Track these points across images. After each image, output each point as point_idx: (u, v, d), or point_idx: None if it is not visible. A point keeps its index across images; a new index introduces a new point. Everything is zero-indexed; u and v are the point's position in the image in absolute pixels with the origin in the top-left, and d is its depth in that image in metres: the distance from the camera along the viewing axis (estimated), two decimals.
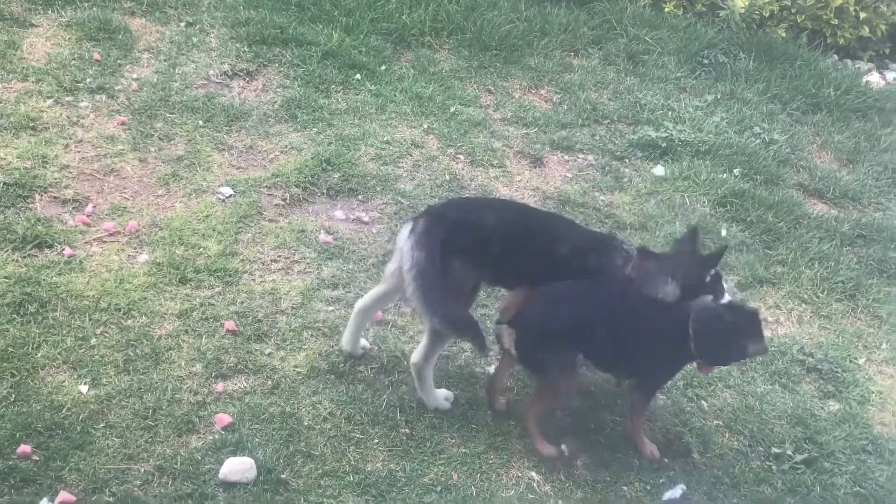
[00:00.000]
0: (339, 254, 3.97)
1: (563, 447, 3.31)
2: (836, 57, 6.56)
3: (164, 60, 4.96)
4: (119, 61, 4.87)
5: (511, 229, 3.24)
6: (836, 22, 6.42)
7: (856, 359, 3.96)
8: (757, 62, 5.98)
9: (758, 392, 3.71)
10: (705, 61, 5.92)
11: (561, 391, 3.27)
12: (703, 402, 3.63)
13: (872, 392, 3.81)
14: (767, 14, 6.33)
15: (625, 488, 3.22)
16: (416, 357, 3.28)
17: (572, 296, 3.21)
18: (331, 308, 3.71)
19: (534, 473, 3.22)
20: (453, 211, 3.33)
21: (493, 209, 3.44)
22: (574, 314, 3.15)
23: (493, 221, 3.24)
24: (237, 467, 2.98)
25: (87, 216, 3.90)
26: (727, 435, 3.52)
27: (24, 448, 2.90)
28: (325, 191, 4.31)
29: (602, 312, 3.20)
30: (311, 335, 3.57)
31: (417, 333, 3.67)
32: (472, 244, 3.18)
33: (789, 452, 3.45)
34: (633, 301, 3.21)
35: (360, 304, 3.44)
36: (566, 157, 4.94)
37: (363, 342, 3.53)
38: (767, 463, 3.42)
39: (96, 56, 4.84)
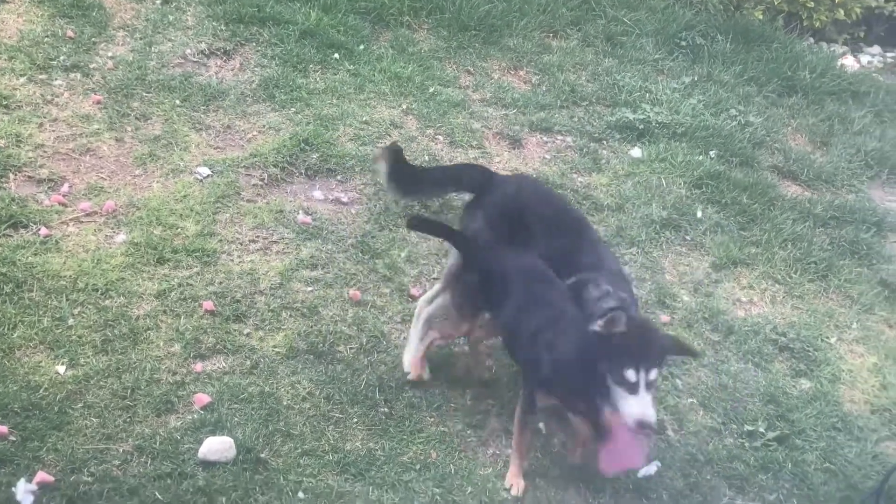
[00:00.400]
0: (318, 234, 3.97)
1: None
2: (811, 40, 6.62)
3: (140, 38, 4.90)
4: (93, 39, 4.80)
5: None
6: (811, 5, 6.47)
7: (827, 338, 4.04)
8: (734, 44, 6.02)
9: (731, 371, 3.77)
10: (683, 43, 5.95)
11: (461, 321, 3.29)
12: (677, 380, 3.69)
13: (843, 370, 3.89)
14: None
15: None
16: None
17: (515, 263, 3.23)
18: (309, 288, 3.71)
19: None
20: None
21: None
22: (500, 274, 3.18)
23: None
24: (216, 447, 2.99)
25: (63, 196, 3.86)
26: (701, 413, 3.58)
27: (1, 428, 2.89)
28: (303, 171, 4.30)
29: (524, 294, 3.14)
30: (290, 315, 3.58)
31: (397, 314, 3.69)
32: None
33: (762, 430, 3.52)
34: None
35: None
36: (545, 139, 4.96)
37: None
38: (740, 440, 3.49)
39: (70, 33, 4.77)
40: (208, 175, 4.14)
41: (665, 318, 3.95)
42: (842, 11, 6.52)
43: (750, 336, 3.94)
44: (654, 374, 2.82)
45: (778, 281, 4.29)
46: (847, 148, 5.34)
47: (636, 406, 2.77)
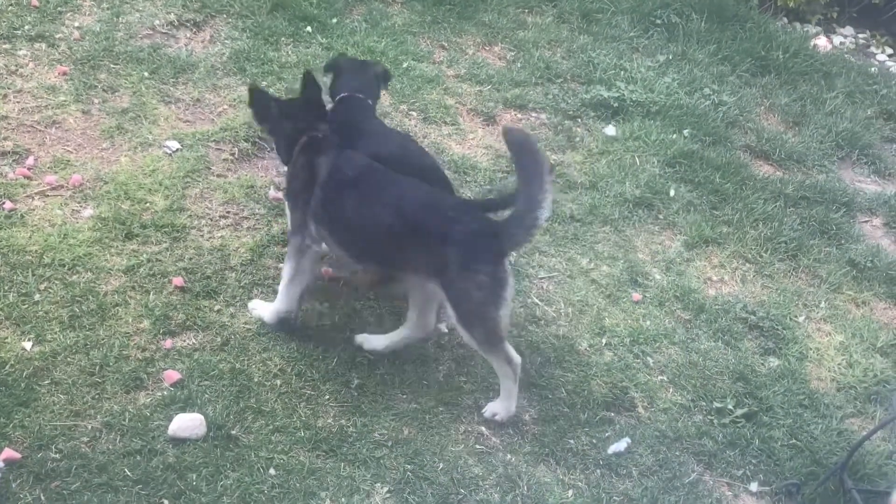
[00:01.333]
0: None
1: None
2: (785, 20, 6.64)
3: (108, 9, 4.79)
4: (59, 8, 4.69)
5: None
6: None
7: (796, 317, 4.09)
8: (708, 23, 6.02)
9: (701, 349, 3.81)
10: (658, 21, 5.94)
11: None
12: (648, 358, 3.72)
13: (810, 349, 3.94)
14: None
15: (571, 441, 3.30)
16: None
17: None
18: (281, 265, 3.67)
19: (483, 428, 3.27)
20: None
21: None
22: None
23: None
24: (187, 423, 2.97)
25: (29, 169, 3.78)
26: (671, 390, 3.61)
27: None
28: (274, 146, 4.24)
29: None
30: (261, 292, 3.54)
31: (370, 291, 3.67)
32: None
33: (730, 407, 3.56)
34: None
35: None
36: (519, 116, 4.94)
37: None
38: (709, 417, 3.53)
39: (34, 2, 4.65)
40: (177, 149, 4.07)
41: (637, 296, 3.97)
42: None
43: (720, 314, 3.98)
44: None
45: (748, 260, 4.33)
46: (818, 128, 5.38)
47: None
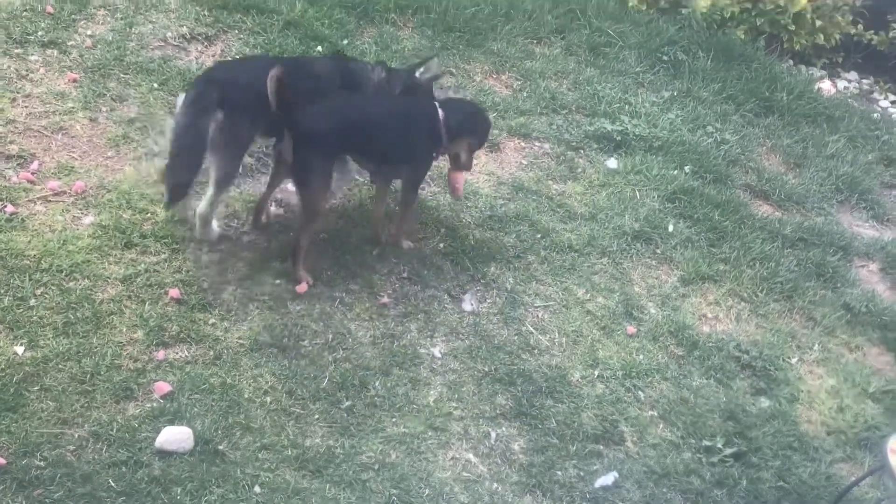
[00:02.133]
0: (290, 227, 3.95)
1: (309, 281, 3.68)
2: (791, 62, 6.69)
3: (121, 19, 4.84)
4: (73, 16, 4.74)
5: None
6: (793, 28, 6.54)
7: (789, 358, 4.09)
8: (715, 62, 6.07)
9: (693, 385, 3.81)
10: (665, 58, 5.99)
11: (321, 205, 3.67)
12: (640, 392, 3.72)
13: (802, 391, 3.94)
14: (728, 15, 6.42)
15: (559, 473, 3.29)
16: (201, 207, 3.65)
17: (339, 105, 3.75)
18: (278, 281, 3.69)
19: (471, 455, 3.26)
20: (221, 73, 3.72)
21: (257, 66, 3.64)
22: (341, 118, 3.64)
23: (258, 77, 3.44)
24: (174, 436, 2.97)
25: (32, 174, 3.81)
26: (661, 426, 3.61)
27: None
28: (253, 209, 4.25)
29: (365, 116, 3.72)
30: (257, 307, 3.55)
31: (364, 311, 3.68)
32: (242, 101, 3.50)
33: (720, 445, 3.56)
34: (389, 105, 3.88)
35: None
36: (523, 144, 4.97)
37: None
38: (698, 455, 3.53)
39: (49, 9, 4.70)
40: None
41: (631, 329, 3.98)
42: (822, 36, 6.60)
43: (713, 352, 3.98)
44: None
45: (744, 299, 4.34)
46: (819, 171, 5.41)
47: None
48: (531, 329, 3.85)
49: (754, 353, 4.02)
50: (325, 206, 3.79)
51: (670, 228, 4.60)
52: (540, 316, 3.93)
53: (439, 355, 3.60)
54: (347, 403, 3.29)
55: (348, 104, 3.78)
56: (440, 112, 3.85)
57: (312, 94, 3.65)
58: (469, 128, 3.94)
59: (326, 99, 3.74)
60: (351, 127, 3.64)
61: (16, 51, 4.39)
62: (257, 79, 3.40)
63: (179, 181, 3.49)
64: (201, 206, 3.66)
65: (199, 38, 4.91)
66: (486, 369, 3.61)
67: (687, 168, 5.06)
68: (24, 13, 4.62)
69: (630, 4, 6.39)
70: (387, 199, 4.06)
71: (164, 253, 3.63)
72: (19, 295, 3.29)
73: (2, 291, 3.28)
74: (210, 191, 3.62)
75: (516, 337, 3.79)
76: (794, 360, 4.09)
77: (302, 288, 3.65)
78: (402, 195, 3.98)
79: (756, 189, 5.16)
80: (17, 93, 4.17)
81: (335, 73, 3.87)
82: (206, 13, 5.05)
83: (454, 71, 5.36)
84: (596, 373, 3.74)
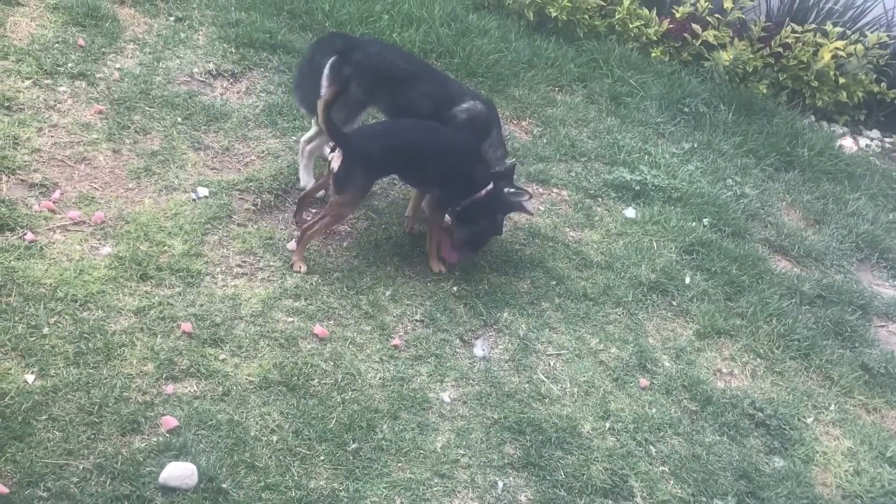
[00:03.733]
0: (309, 268, 3.95)
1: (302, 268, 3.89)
2: (813, 118, 6.70)
3: (149, 53, 4.93)
4: (103, 49, 4.83)
5: (399, 73, 4.17)
6: (816, 84, 6.56)
7: (804, 417, 4.02)
8: (736, 115, 6.08)
9: (706, 442, 3.74)
10: (686, 109, 6.01)
11: (348, 207, 3.96)
12: (651, 446, 3.66)
13: (817, 452, 3.86)
14: (751, 69, 6.45)
15: None
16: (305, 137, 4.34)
17: (391, 127, 4.16)
18: (290, 319, 3.69)
19: None
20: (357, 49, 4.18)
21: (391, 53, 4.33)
22: (392, 140, 3.96)
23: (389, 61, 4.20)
24: (178, 472, 2.94)
25: (54, 202, 3.85)
26: (672, 482, 3.54)
27: None
28: (297, 199, 4.30)
29: (413, 143, 3.97)
30: (268, 344, 3.55)
31: (375, 352, 3.66)
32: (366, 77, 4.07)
33: None
34: (447, 140, 4.08)
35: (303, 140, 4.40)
36: (541, 190, 4.98)
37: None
38: None
39: (80, 42, 4.80)
40: (202, 195, 4.13)
41: (644, 381, 3.93)
42: (844, 94, 6.61)
43: (728, 408, 3.92)
44: None
45: (760, 355, 4.28)
46: (839, 228, 5.37)
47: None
48: (543, 377, 3.82)
49: (769, 410, 3.96)
50: (349, 214, 4.12)
51: (687, 281, 4.57)
52: (552, 364, 3.90)
53: (448, 400, 3.57)
54: (354, 446, 3.26)
55: (396, 130, 4.09)
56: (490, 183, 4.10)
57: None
58: (485, 211, 4.12)
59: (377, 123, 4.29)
60: (397, 153, 3.93)
61: (46, 81, 4.48)
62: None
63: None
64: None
65: (225, 74, 4.99)
66: (496, 417, 3.57)
67: (705, 220, 5.04)
68: (57, 45, 4.72)
69: (653, 55, 6.44)
70: (422, 201, 4.31)
71: (179, 286, 3.65)
72: (33, 323, 3.30)
73: (16, 319, 3.29)
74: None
75: (527, 385, 3.75)
76: (809, 420, 4.01)
77: (321, 331, 3.64)
78: (428, 214, 4.24)
79: (775, 244, 5.12)
80: (45, 122, 4.24)
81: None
82: (234, 50, 5.14)
83: None
84: (607, 425, 3.68)
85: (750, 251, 4.92)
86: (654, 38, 6.48)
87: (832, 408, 4.10)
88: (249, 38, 5.23)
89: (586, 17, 6.38)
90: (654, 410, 3.81)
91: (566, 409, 3.70)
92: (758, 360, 4.26)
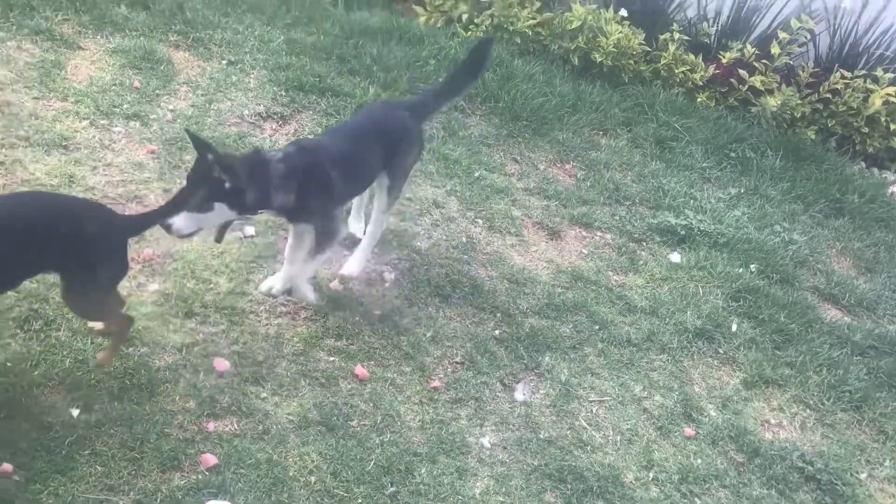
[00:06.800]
0: (348, 304, 3.97)
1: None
2: (863, 164, 6.59)
3: (202, 95, 5.06)
4: (157, 91, 4.97)
5: None
6: (866, 130, 6.46)
7: (857, 473, 3.88)
8: (784, 161, 6.01)
9: (753, 495, 3.63)
10: (732, 154, 5.96)
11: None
12: (696, 498, 3.56)
13: None
14: (799, 115, 6.39)
15: None
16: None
17: None
18: (332, 358, 3.69)
19: None
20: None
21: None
22: None
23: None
24: None
25: None
26: None
27: (6, 467, 2.88)
28: (341, 240, 4.33)
29: None
30: (308, 384, 3.55)
31: (415, 394, 3.64)
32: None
33: None
34: None
35: None
36: (584, 233, 4.95)
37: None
38: None
39: (136, 84, 4.95)
40: (250, 235, 4.19)
41: (689, 431, 3.84)
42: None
43: (776, 461, 3.80)
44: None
45: (809, 406, 4.16)
46: (891, 277, 5.24)
47: None
48: (585, 424, 3.75)
49: (819, 464, 3.83)
50: None
51: (734, 328, 4.48)
52: (594, 411, 3.83)
53: (488, 445, 3.53)
54: (392, 489, 3.23)
55: None
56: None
57: None
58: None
59: None
60: None
61: (102, 122, 4.62)
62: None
63: None
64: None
65: (275, 116, 5.09)
66: (536, 463, 3.51)
67: (752, 266, 4.95)
68: (114, 87, 4.87)
69: (699, 100, 6.42)
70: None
71: (223, 324, 3.68)
72: (80, 357, 3.35)
73: (64, 353, 3.35)
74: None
75: (569, 431, 3.69)
76: (862, 476, 3.87)
77: (362, 372, 3.64)
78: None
79: (825, 292, 5.01)
80: (99, 161, 4.36)
81: None
82: (283, 93, 5.24)
83: (518, 158, 5.42)
84: (651, 475, 3.60)
85: (799, 299, 4.82)
86: (700, 84, 6.47)
87: (887, 463, 3.96)
88: (299, 82, 5.34)
89: (631, 62, 6.39)
90: (699, 461, 3.71)
91: (608, 458, 3.62)
92: (807, 411, 4.14)
